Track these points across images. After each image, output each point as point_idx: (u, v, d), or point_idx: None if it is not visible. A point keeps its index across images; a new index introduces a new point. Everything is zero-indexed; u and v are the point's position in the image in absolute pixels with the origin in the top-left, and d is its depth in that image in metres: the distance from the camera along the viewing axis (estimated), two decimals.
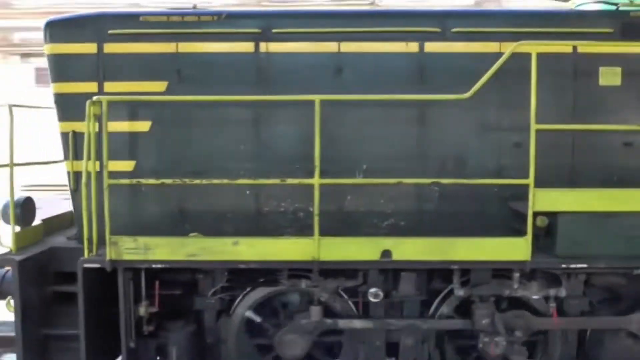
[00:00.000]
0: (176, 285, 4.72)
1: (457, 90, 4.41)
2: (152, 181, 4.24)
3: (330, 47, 4.55)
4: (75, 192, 4.70)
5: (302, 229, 4.59)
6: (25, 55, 19.04)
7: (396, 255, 4.07)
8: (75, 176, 4.67)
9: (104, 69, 4.57)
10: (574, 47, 4.60)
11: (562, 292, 4.41)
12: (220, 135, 4.61)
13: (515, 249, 4.08)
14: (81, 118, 4.42)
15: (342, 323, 4.43)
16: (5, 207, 4.55)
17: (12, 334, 4.36)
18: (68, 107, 4.61)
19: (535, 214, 4.17)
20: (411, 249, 4.08)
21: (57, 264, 4.52)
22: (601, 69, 4.62)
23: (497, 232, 4.35)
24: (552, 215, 4.22)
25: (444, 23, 4.56)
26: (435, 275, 4.51)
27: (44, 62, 4.72)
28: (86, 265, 4.15)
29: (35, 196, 5.24)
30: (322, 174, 4.47)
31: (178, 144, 4.62)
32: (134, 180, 4.23)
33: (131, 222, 4.62)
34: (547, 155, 4.63)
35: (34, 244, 4.63)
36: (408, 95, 4.27)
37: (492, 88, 4.54)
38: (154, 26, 4.55)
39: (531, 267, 4.14)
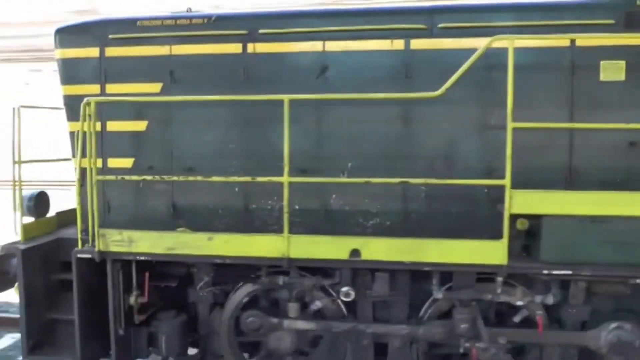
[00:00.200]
0: (172, 278, 4.96)
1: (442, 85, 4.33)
2: (134, 177, 4.47)
3: (315, 46, 4.58)
4: (81, 188, 5.04)
5: (289, 227, 4.65)
6: None
7: (365, 255, 4.05)
8: (82, 172, 5.00)
9: (105, 71, 4.87)
10: (572, 41, 4.34)
11: (550, 299, 4.19)
12: (210, 133, 4.77)
13: (491, 252, 3.93)
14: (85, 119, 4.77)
15: (287, 323, 4.47)
16: (28, 200, 4.97)
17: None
18: (75, 108, 4.93)
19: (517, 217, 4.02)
20: (380, 249, 4.04)
21: (64, 254, 4.86)
22: (602, 63, 4.33)
23: (487, 234, 4.21)
24: (538, 219, 4.04)
25: (431, 19, 4.45)
26: (422, 276, 4.43)
27: None
28: (79, 256, 4.45)
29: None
30: (308, 173, 4.55)
31: (171, 142, 4.83)
32: (119, 177, 4.47)
33: (134, 216, 4.91)
34: (542, 156, 4.45)
35: (45, 235, 5.00)
36: (378, 94, 4.22)
37: (479, 84, 4.42)
38: (150, 30, 4.78)
39: (508, 272, 3.96)
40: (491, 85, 4.35)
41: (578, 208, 3.89)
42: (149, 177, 4.42)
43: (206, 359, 5.08)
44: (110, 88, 4.87)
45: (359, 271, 4.30)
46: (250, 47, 4.67)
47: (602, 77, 4.35)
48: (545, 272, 3.97)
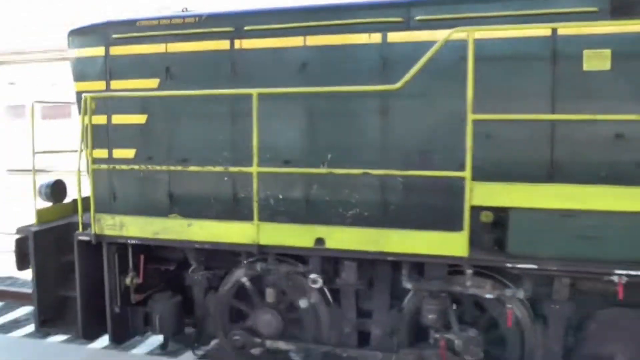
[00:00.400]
0: (171, 261, 5.30)
1: (422, 79, 4.36)
2: (124, 166, 4.82)
3: (296, 41, 4.72)
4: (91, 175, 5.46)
5: (273, 215, 4.85)
6: None
7: (329, 244, 4.17)
8: (95, 162, 5.42)
9: (110, 69, 5.25)
10: (554, 30, 4.22)
11: (520, 294, 4.13)
12: (202, 126, 5.03)
13: (452, 244, 3.94)
14: (95, 112, 5.20)
15: (269, 343, 4.82)
16: (39, 187, 5.47)
17: None
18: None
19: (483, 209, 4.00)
20: (344, 238, 4.14)
21: (73, 237, 5.31)
22: (586, 52, 4.18)
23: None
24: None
25: (408, 12, 4.47)
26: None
27: None
28: (79, 238, 4.87)
29: None
30: (292, 164, 4.73)
31: (168, 134, 5.14)
32: (110, 166, 4.83)
33: (137, 204, 5.27)
34: (522, 149, 4.37)
35: (60, 219, 5.48)
36: (337, 87, 4.32)
37: (456, 76, 4.38)
38: (148, 30, 5.11)
39: (469, 264, 3.95)
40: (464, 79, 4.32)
41: (541, 201, 3.82)
42: (135, 167, 4.76)
43: (202, 339, 5.39)
44: (115, 84, 5.25)
45: (329, 259, 4.42)
46: (237, 44, 4.88)
47: (586, 66, 4.20)
48: (509, 265, 3.92)
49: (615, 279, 3.87)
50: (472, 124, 3.84)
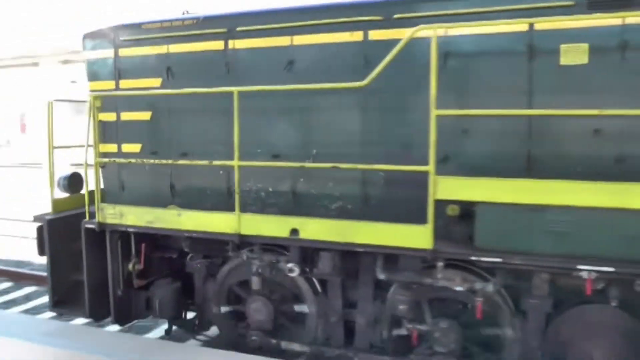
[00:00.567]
0: (174, 250, 5.63)
1: (402, 75, 4.49)
2: (122, 160, 5.18)
3: (284, 41, 4.92)
4: (103, 168, 5.88)
5: (264, 207, 5.09)
6: None
7: (303, 234, 4.35)
8: (104, 155, 5.84)
9: (119, 69, 5.63)
10: (530, 25, 4.22)
11: (489, 287, 4.17)
12: (199, 122, 5.33)
13: (417, 236, 4.03)
14: (105, 110, 5.61)
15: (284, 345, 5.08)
16: (57, 179, 5.93)
17: None
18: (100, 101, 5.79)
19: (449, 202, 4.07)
20: (317, 229, 4.32)
21: None
22: (562, 47, 4.16)
23: (442, 219, 4.29)
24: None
25: (387, 10, 4.58)
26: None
27: None
28: (86, 226, 5.28)
29: None
30: (281, 158, 4.95)
31: (169, 130, 5.47)
32: (112, 160, 5.20)
33: (143, 195, 5.63)
34: (499, 143, 4.41)
35: (75, 209, 5.91)
36: (307, 85, 4.49)
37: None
38: (151, 32, 5.45)
39: (434, 256, 4.03)
40: (444, 74, 4.39)
41: (504, 196, 3.85)
42: (133, 160, 5.10)
43: (202, 324, 5.70)
44: (123, 83, 5.63)
45: (306, 249, 4.60)
46: (231, 44, 5.14)
47: (563, 61, 4.18)
48: (473, 258, 3.97)
49: (584, 274, 3.86)
50: (436, 119, 3.91)
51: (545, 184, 3.80)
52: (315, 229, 4.33)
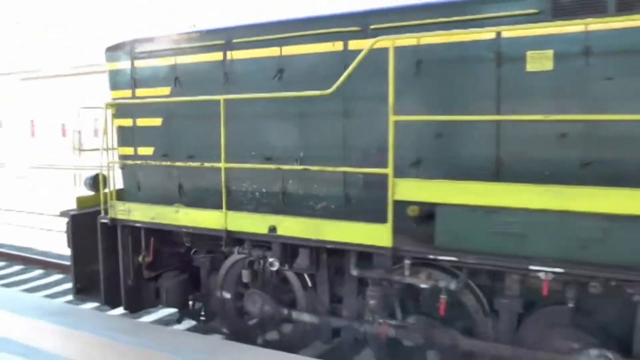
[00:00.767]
0: (183, 245, 6.11)
1: (378, 83, 4.76)
2: (129, 162, 5.70)
3: (274, 51, 5.29)
4: (123, 169, 6.46)
5: (258, 206, 5.48)
6: None
7: (280, 231, 4.69)
8: (123, 157, 6.42)
9: (135, 79, 6.18)
10: (498, 33, 4.37)
11: (452, 285, 4.35)
12: (201, 127, 5.77)
13: (378, 234, 4.28)
14: (124, 116, 6.20)
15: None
16: (84, 179, 6.57)
17: None
18: (119, 109, 6.38)
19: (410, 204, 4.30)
20: (291, 227, 4.65)
21: None
22: (528, 54, 4.29)
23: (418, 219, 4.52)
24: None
25: (364, 22, 4.84)
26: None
27: None
28: (101, 221, 5.85)
29: None
30: (272, 161, 5.33)
31: (177, 134, 5.96)
32: (121, 162, 5.74)
33: (156, 194, 6.16)
34: (469, 147, 4.57)
35: (97, 205, 6.51)
36: (285, 93, 4.83)
37: (411, 82, 4.68)
38: (162, 44, 5.96)
39: (394, 254, 4.26)
40: (416, 82, 4.62)
41: (459, 198, 4.03)
42: (139, 162, 5.63)
43: (207, 314, 6.15)
44: (138, 92, 6.18)
45: (286, 246, 4.93)
46: (229, 55, 5.56)
47: (529, 67, 4.31)
48: (431, 257, 4.17)
49: (542, 275, 3.97)
50: (395, 124, 4.15)
51: (495, 187, 3.96)
52: (291, 227, 4.66)
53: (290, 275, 5.38)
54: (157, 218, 5.45)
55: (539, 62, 4.28)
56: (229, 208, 5.34)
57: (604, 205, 3.63)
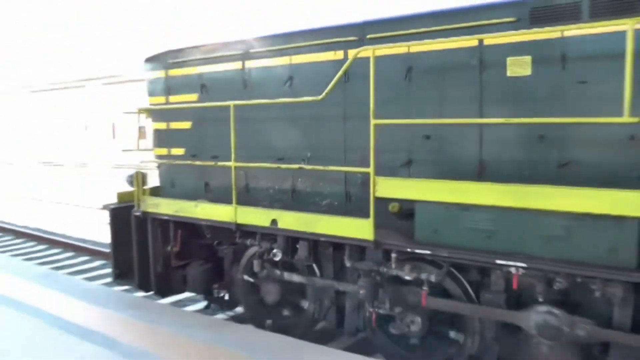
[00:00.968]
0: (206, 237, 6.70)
1: (377, 88, 5.13)
2: (162, 161, 6.33)
3: (285, 60, 5.77)
4: (159, 168, 7.15)
5: (272, 203, 5.97)
6: None
7: (280, 224, 5.15)
8: (159, 158, 7.11)
9: (168, 87, 6.86)
10: (480, 40, 4.63)
11: (432, 278, 4.63)
12: (224, 130, 6.32)
13: (362, 229, 4.64)
14: (159, 120, 6.90)
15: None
16: (126, 177, 7.32)
17: None
18: (155, 113, 7.08)
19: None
20: (289, 220, 5.10)
21: None
22: (508, 60, 4.52)
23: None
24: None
25: (362, 32, 5.22)
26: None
27: None
28: (134, 214, 6.55)
29: None
30: (281, 161, 5.82)
31: (204, 136, 6.56)
32: (142, 161, 6.40)
33: (187, 190, 6.80)
34: (454, 148, 4.86)
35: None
36: (283, 99, 5.26)
37: (402, 87, 5.01)
38: (190, 55, 6.60)
39: (376, 247, 4.60)
40: (407, 87, 4.95)
41: (434, 195, 4.33)
42: (164, 161, 6.25)
43: (230, 302, 6.71)
44: (171, 98, 6.85)
45: (289, 238, 5.38)
46: (247, 64, 6.10)
47: (509, 72, 4.54)
48: (408, 249, 4.49)
49: (512, 270, 4.21)
50: (375, 127, 4.50)
51: (466, 186, 4.22)
52: (289, 220, 5.11)
53: (300, 267, 5.81)
54: (179, 211, 6.06)
55: (518, 67, 4.50)
56: (248, 204, 5.86)
57: (564, 204, 3.83)
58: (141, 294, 7.21)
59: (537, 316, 4.28)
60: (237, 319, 6.71)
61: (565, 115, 4.23)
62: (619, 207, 3.61)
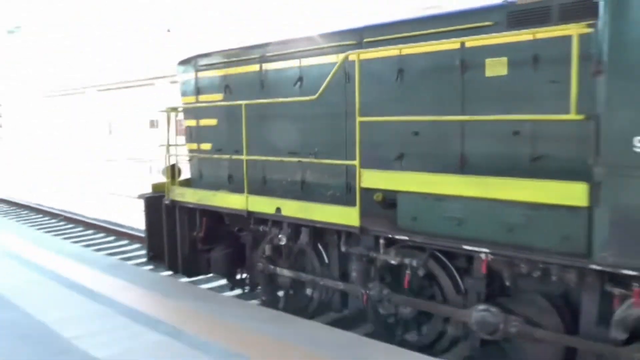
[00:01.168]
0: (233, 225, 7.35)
1: (373, 88, 5.60)
2: (190, 154, 7.02)
3: (295, 63, 6.31)
4: (190, 162, 7.88)
5: (285, 193, 6.54)
6: None
7: (284, 212, 5.70)
8: (190, 152, 7.82)
9: (198, 87, 7.56)
10: (462, 43, 4.98)
11: (414, 262, 5.03)
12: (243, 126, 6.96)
13: (350, 216, 5.11)
14: (190, 118, 7.63)
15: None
16: (161, 169, 8.10)
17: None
18: (186, 112, 7.81)
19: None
20: (291, 208, 5.64)
21: None
22: (487, 61, 4.86)
23: None
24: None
25: (360, 36, 5.68)
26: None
27: None
28: (165, 202, 7.30)
29: None
30: (293, 154, 6.37)
31: (228, 132, 7.20)
32: (167, 155, 7.11)
33: (213, 181, 7.48)
34: (439, 143, 5.24)
35: None
36: (289, 98, 5.77)
37: (394, 87, 5.44)
38: (216, 59, 7.26)
39: (361, 232, 5.06)
40: (398, 87, 5.37)
41: (412, 186, 4.75)
42: (191, 154, 6.94)
43: (251, 284, 7.31)
44: (200, 98, 7.55)
45: (292, 225, 5.92)
46: (264, 66, 6.69)
47: (488, 73, 4.87)
48: (389, 235, 4.92)
49: (482, 256, 4.56)
50: (360, 124, 4.96)
51: (439, 178, 4.60)
52: (290, 208, 5.66)
53: (309, 252, 6.32)
54: (201, 200, 6.74)
55: (496, 68, 4.82)
56: (265, 194, 6.43)
57: (519, 195, 4.16)
58: (206, 285, 7.75)
59: (477, 314, 4.67)
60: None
61: (537, 113, 4.53)
62: (567, 198, 3.91)
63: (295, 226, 5.95)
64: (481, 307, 4.71)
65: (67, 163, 35.48)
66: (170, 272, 7.82)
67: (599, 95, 3.78)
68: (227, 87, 7.14)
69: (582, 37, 3.87)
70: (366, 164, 5.19)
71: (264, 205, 5.97)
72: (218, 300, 6.37)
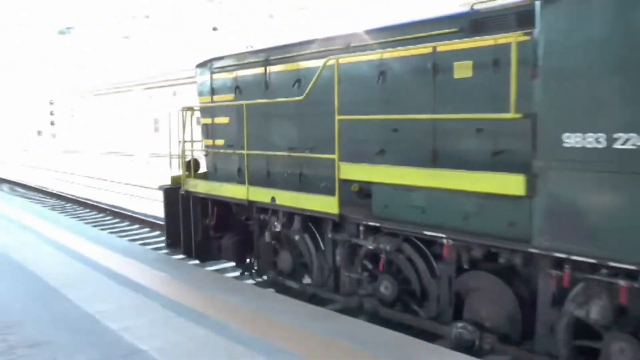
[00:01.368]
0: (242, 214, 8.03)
1: (358, 89, 6.14)
2: (203, 150, 7.73)
3: (294, 66, 6.90)
4: (206, 157, 8.60)
5: (286, 185, 7.14)
6: None
7: (278, 201, 6.32)
8: (206, 147, 8.53)
9: (212, 88, 8.26)
10: (434, 47, 5.45)
11: (387, 247, 5.54)
12: (252, 125, 7.59)
13: (330, 205, 5.68)
14: (206, 116, 8.36)
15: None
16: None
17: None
18: (203, 110, 8.53)
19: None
20: (284, 198, 6.25)
21: None
22: (455, 64, 5.31)
23: None
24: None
25: (347, 41, 6.22)
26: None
27: None
28: (181, 192, 8.04)
29: None
30: (292, 150, 6.98)
31: (238, 130, 7.85)
32: (181, 151, 7.81)
33: (225, 174, 8.16)
34: (415, 140, 5.72)
35: None
36: (284, 98, 6.33)
37: (375, 88, 5.95)
38: (228, 62, 7.94)
39: (339, 220, 5.61)
40: (379, 88, 5.88)
41: (384, 178, 5.27)
42: (197, 151, 7.64)
43: (258, 269, 7.96)
44: (215, 98, 8.24)
45: (285, 213, 6.53)
46: (268, 69, 7.31)
47: (456, 75, 5.33)
48: (364, 222, 5.45)
49: (444, 241, 5.03)
50: (339, 122, 5.51)
51: (405, 170, 5.10)
52: (283, 198, 6.27)
53: (307, 238, 6.89)
54: (210, 190, 7.44)
55: (462, 70, 5.27)
56: (268, 186, 7.05)
57: (464, 185, 4.63)
58: (250, 280, 8.01)
59: (455, 330, 5.11)
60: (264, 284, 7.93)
61: (498, 111, 4.95)
62: (508, 188, 4.35)
63: (289, 214, 6.55)
64: (460, 324, 5.13)
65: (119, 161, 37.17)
66: (191, 260, 8.55)
67: (535, 96, 4.21)
68: (238, 87, 7.80)
69: (522, 44, 4.29)
70: (352, 158, 5.73)
71: (261, 195, 6.60)
72: (262, 296, 6.37)
